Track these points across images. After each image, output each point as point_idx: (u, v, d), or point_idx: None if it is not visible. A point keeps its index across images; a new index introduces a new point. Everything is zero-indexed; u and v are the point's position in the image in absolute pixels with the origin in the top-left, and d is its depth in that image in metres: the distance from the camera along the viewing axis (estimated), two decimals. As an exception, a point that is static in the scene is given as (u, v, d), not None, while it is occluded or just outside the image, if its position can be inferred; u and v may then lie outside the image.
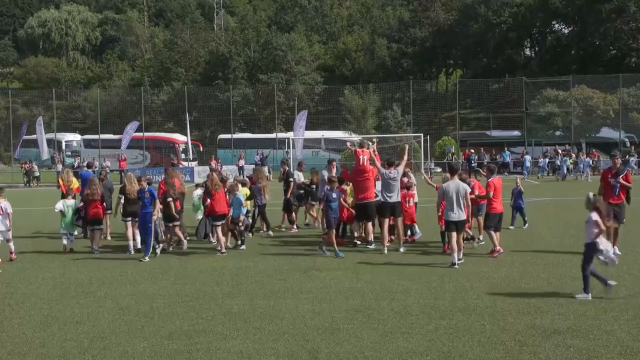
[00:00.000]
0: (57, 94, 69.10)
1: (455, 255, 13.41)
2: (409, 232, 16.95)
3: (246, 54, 76.08)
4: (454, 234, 13.49)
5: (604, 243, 10.55)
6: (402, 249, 15.36)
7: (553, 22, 76.45)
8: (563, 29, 76.78)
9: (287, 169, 20.97)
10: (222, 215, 15.73)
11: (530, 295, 10.78)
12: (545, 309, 9.84)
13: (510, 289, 11.24)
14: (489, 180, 14.99)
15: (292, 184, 19.95)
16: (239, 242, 16.31)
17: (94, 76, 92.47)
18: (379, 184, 16.28)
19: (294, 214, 19.95)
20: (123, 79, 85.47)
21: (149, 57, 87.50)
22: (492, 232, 14.68)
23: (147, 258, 14.71)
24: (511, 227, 18.46)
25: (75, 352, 8.30)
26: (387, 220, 15.68)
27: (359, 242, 16.37)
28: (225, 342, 8.54)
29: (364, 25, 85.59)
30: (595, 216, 10.55)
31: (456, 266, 13.20)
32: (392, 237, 16.05)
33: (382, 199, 15.69)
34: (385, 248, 15.29)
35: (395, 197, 15.54)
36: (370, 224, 16.42)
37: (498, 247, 14.65)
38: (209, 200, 15.91)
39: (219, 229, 15.64)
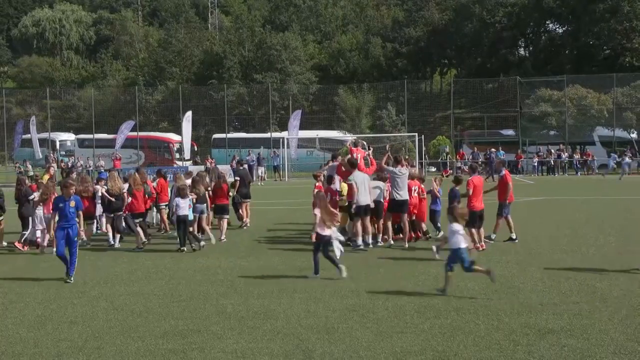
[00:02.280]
0: (51, 94, 68.99)
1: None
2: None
3: (241, 54, 76.06)
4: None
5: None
6: (406, 246, 15.60)
7: (547, 22, 76.61)
8: (557, 29, 76.96)
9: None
10: (140, 213, 17.09)
11: (524, 294, 10.79)
12: (539, 309, 9.85)
13: (505, 288, 11.25)
14: (470, 178, 15.49)
15: (237, 182, 20.46)
16: (195, 243, 16.16)
17: (88, 75, 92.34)
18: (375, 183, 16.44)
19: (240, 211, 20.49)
20: (117, 78, 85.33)
21: (143, 57, 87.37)
22: (473, 230, 14.76)
23: (72, 279, 12.37)
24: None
25: (69, 352, 8.28)
26: (404, 216, 15.93)
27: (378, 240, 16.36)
28: (220, 342, 8.52)
29: (359, 25, 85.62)
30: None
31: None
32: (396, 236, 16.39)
33: (391, 197, 15.90)
34: (391, 241, 15.73)
35: (405, 194, 15.64)
36: (360, 222, 16.45)
37: (478, 244, 14.83)
38: (130, 198, 17.02)
39: (138, 225, 16.71)
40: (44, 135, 61.56)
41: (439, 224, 17.25)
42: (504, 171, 16.96)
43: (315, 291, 11.23)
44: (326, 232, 12.19)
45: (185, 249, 15.79)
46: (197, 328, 9.15)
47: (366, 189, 15.77)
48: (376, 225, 16.50)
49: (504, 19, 72.19)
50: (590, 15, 66.01)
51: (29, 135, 56.11)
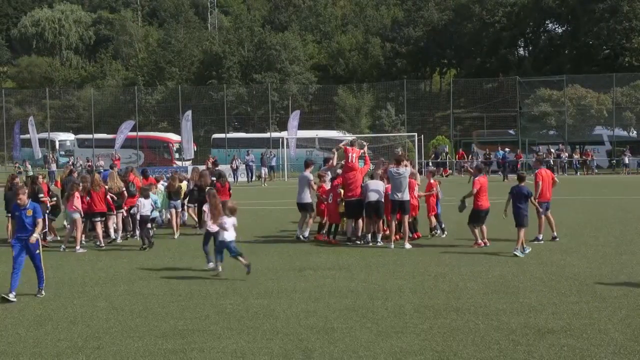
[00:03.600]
0: (51, 94, 68.99)
1: None
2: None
3: (240, 54, 76.06)
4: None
5: None
6: (407, 246, 15.53)
7: (547, 22, 76.64)
8: (557, 29, 77.00)
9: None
10: (99, 212, 17.06)
11: (524, 294, 10.79)
12: (539, 309, 9.86)
13: (504, 288, 11.25)
14: (476, 178, 15.80)
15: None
16: (146, 242, 16.42)
17: (88, 75, 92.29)
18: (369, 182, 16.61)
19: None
20: (117, 78, 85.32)
21: (142, 57, 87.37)
22: (477, 227, 15.47)
23: (43, 293, 11.44)
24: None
25: (69, 351, 8.28)
26: (405, 217, 15.90)
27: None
28: (219, 342, 8.53)
29: (358, 25, 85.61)
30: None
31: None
32: (400, 235, 16.40)
33: (390, 197, 15.95)
34: (393, 244, 15.70)
35: (404, 194, 15.72)
36: (360, 221, 16.82)
37: (480, 241, 15.44)
38: (88, 198, 17.04)
39: (98, 225, 16.98)
40: (44, 135, 61.57)
41: (443, 225, 17.39)
42: (537, 170, 16.78)
43: (314, 291, 11.23)
44: (214, 227, 13.03)
45: (147, 247, 16.27)
46: (196, 328, 9.15)
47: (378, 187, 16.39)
48: (376, 225, 16.58)
49: (503, 19, 72.19)
50: (589, 15, 66.03)
51: (27, 135, 56.10)
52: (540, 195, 16.05)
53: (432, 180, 17.59)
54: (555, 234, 16.38)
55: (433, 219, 17.24)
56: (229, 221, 12.54)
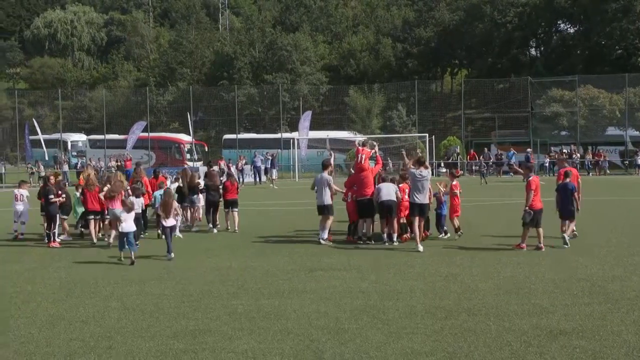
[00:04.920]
0: (63, 95, 69.24)
1: None
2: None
3: (251, 54, 76.17)
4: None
5: None
6: (420, 248, 15.26)
7: (559, 22, 76.23)
8: (569, 29, 76.55)
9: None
10: (94, 211, 18.00)
11: (536, 295, 10.75)
12: (551, 310, 9.81)
13: (516, 289, 11.21)
14: (530, 179, 15.45)
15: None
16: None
17: (100, 76, 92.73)
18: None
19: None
20: (128, 79, 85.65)
21: (154, 58, 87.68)
22: (533, 229, 15.25)
23: None
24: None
25: (81, 351, 8.31)
26: (417, 219, 15.65)
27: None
28: (231, 342, 8.54)
29: (369, 25, 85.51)
30: None
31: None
32: (426, 233, 16.76)
33: (410, 199, 15.80)
34: (420, 245, 15.33)
35: (424, 198, 15.62)
36: (370, 220, 16.96)
37: (523, 244, 15.19)
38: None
39: (91, 223, 17.93)
40: (56, 136, 61.85)
41: (445, 227, 17.33)
42: (563, 168, 17.39)
43: (325, 292, 11.23)
44: (167, 222, 15.25)
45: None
46: (208, 328, 9.17)
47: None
48: (391, 225, 16.63)
49: (515, 19, 71.88)
50: (602, 15, 65.66)
51: (37, 136, 56.37)
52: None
53: (455, 182, 17.49)
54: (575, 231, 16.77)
55: (456, 220, 17.18)
56: (129, 215, 14.90)
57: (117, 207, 16.29)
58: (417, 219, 15.60)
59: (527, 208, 15.11)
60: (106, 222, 18.16)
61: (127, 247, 14.58)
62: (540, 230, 15.25)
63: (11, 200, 19.61)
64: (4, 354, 8.29)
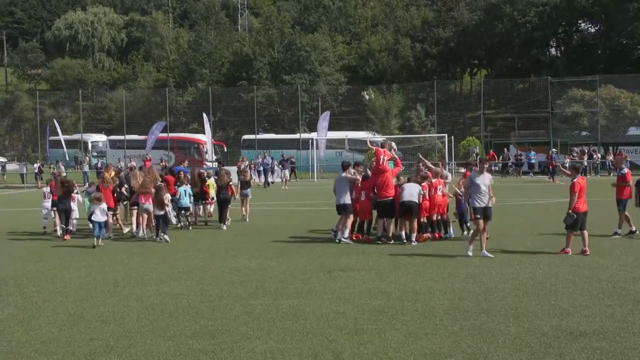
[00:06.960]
0: (84, 95, 69.89)
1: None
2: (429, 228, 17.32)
3: (270, 55, 76.32)
4: None
5: None
6: (490, 254, 14.43)
7: (579, 22, 75.70)
8: (589, 28, 75.99)
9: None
10: (108, 207, 18.47)
11: (556, 296, 10.67)
12: (571, 311, 9.74)
13: (536, 290, 11.14)
14: (575, 180, 14.58)
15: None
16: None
17: (120, 77, 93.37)
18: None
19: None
20: (148, 80, 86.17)
21: (173, 58, 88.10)
22: (577, 232, 14.60)
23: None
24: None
25: (100, 350, 8.37)
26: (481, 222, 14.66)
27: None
28: (249, 342, 8.56)
29: (388, 26, 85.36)
30: None
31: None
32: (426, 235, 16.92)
33: (472, 205, 15.03)
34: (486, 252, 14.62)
35: (487, 201, 14.71)
36: (390, 220, 17.10)
37: (568, 249, 14.57)
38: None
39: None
40: (76, 136, 62.42)
41: (468, 224, 17.28)
42: (626, 170, 18.06)
43: (344, 292, 11.22)
44: (160, 213, 17.57)
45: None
46: (226, 328, 9.19)
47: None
48: (410, 225, 16.71)
49: (535, 19, 71.45)
50: (623, 14, 65.09)
51: (57, 137, 56.89)
52: (623, 193, 17.71)
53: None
54: (633, 227, 17.48)
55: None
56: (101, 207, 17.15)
57: (147, 203, 18.26)
58: (481, 222, 14.55)
59: (570, 211, 14.44)
60: (129, 215, 20.25)
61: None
62: (586, 233, 14.64)
63: (34, 200, 20.42)
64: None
